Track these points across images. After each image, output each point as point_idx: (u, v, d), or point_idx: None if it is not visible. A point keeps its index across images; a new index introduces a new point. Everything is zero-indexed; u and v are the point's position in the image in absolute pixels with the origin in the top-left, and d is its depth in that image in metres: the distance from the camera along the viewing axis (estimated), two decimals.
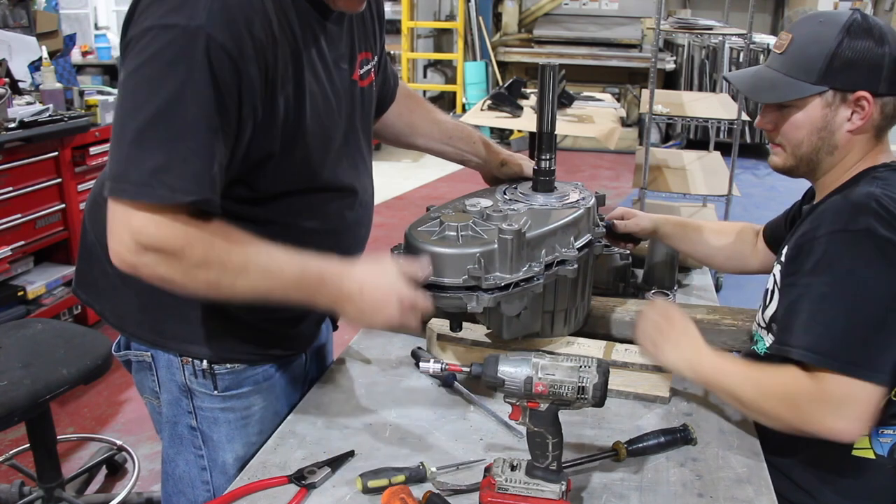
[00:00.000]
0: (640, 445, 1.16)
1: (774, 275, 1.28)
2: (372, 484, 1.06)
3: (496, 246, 1.16)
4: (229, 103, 0.99)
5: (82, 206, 3.37)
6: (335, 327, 1.57)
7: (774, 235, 1.52)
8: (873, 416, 1.08)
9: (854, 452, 1.20)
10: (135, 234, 0.97)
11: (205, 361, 1.21)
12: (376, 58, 1.34)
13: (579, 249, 1.31)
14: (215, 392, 1.24)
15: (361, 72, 1.27)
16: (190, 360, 1.22)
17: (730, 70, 6.89)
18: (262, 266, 1.04)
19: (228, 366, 1.23)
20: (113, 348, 1.32)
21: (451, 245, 1.18)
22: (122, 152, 0.97)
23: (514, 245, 1.16)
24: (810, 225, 1.19)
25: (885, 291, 1.09)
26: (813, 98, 1.22)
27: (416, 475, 1.08)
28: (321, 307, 1.11)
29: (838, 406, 1.07)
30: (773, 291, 1.28)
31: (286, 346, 1.30)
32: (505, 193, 1.37)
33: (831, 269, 1.13)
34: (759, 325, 1.33)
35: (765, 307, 1.31)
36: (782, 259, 1.26)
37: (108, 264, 1.22)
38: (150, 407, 1.34)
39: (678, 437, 1.18)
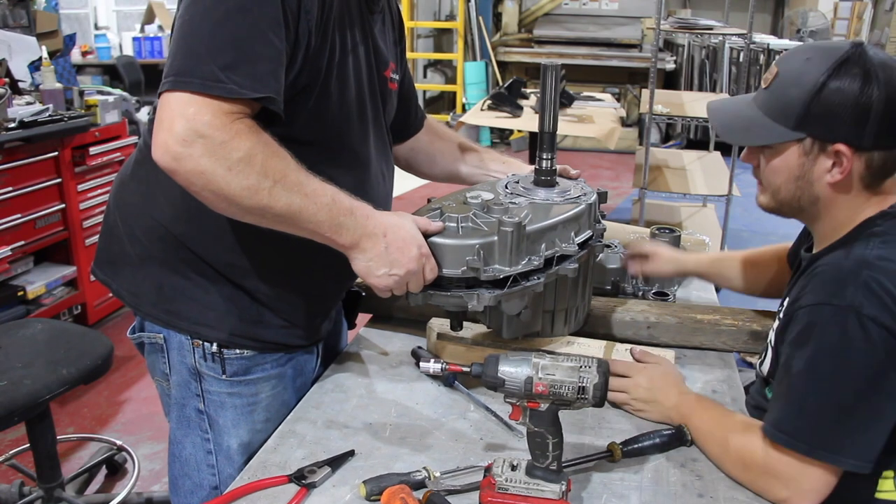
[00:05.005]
0: (635, 446, 1.16)
1: (773, 327, 1.23)
2: (375, 497, 1.05)
3: (496, 238, 1.16)
4: (290, 18, 1.05)
5: (82, 206, 3.38)
6: (351, 326, 1.58)
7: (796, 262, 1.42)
8: (828, 494, 1.03)
9: (878, 495, 1.12)
10: (189, 119, 0.97)
11: (215, 345, 1.23)
12: (398, 74, 1.41)
13: (580, 246, 1.31)
14: (223, 376, 1.25)
15: (391, 75, 1.34)
16: (200, 342, 1.24)
17: (730, 70, 6.88)
18: (299, 181, 1.05)
19: (238, 351, 1.25)
20: (128, 332, 1.34)
21: (450, 236, 1.17)
22: (191, 50, 1.01)
23: (514, 238, 1.16)
24: (800, 289, 1.11)
25: (864, 375, 1.00)
26: (790, 144, 1.12)
27: (420, 484, 1.07)
28: (343, 242, 1.10)
29: (791, 483, 1.03)
30: (768, 346, 1.25)
31: (297, 337, 1.31)
32: (506, 188, 1.36)
33: (810, 343, 1.04)
34: (761, 375, 1.29)
35: (763, 359, 1.26)
36: (780, 316, 1.20)
37: (128, 244, 1.26)
38: (160, 389, 1.36)
39: (673, 438, 1.18)
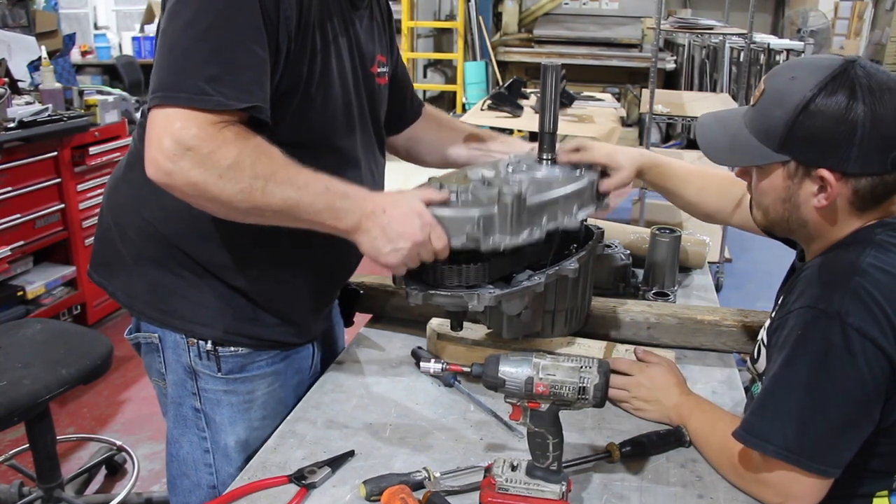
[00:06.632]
0: (633, 448, 1.16)
1: (765, 326, 1.21)
2: (375, 498, 1.05)
3: (496, 209, 1.14)
4: (269, 25, 1.06)
5: (82, 206, 3.38)
6: (347, 324, 1.58)
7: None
8: (818, 500, 1.02)
9: None
10: (175, 134, 0.99)
11: (209, 343, 1.24)
12: (389, 67, 1.40)
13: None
14: (219, 374, 1.26)
15: (379, 70, 1.33)
16: (195, 341, 1.24)
17: (730, 70, 6.88)
18: (290, 175, 1.06)
19: (233, 349, 1.25)
20: (125, 333, 1.34)
21: (450, 207, 1.16)
22: (175, 64, 1.02)
23: (515, 208, 1.14)
24: (789, 292, 1.09)
25: (847, 388, 0.97)
26: (777, 166, 1.07)
27: (420, 484, 1.07)
28: (345, 227, 1.10)
29: (782, 489, 1.02)
30: (760, 344, 1.23)
31: (292, 335, 1.31)
32: (507, 166, 1.36)
33: (792, 348, 1.01)
34: (754, 373, 1.26)
35: (756, 358, 1.24)
36: (773, 315, 1.18)
37: (121, 246, 1.27)
38: (157, 390, 1.36)
39: (671, 439, 1.18)
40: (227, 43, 1.02)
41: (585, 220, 1.43)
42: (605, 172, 1.38)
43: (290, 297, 1.28)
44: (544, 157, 1.35)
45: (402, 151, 1.64)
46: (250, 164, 1.02)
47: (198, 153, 0.99)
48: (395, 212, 1.11)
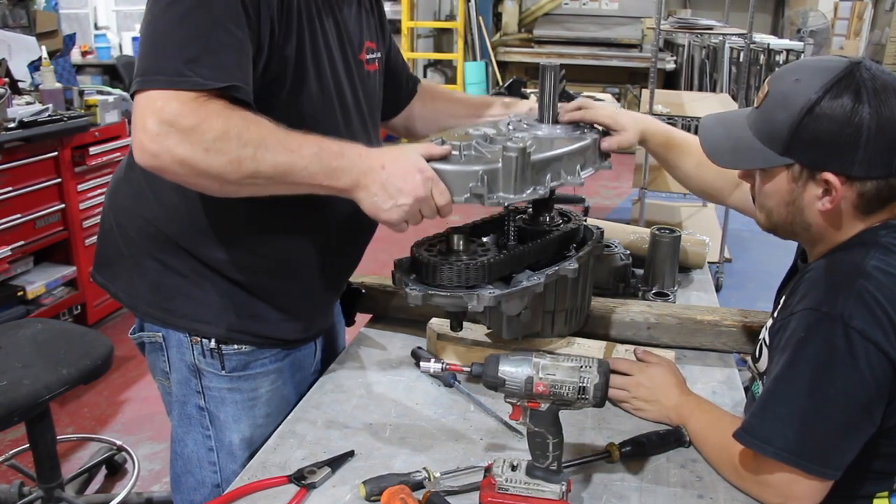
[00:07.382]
0: (633, 447, 1.16)
1: (767, 325, 1.21)
2: (375, 498, 1.05)
3: (500, 165, 1.13)
4: (249, 8, 1.05)
5: (82, 206, 3.38)
6: (349, 323, 1.58)
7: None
8: (819, 501, 1.02)
9: None
10: (157, 113, 0.98)
11: (213, 341, 1.24)
12: (381, 53, 1.39)
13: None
14: (223, 372, 1.26)
15: (368, 57, 1.32)
16: (199, 339, 1.24)
17: (730, 70, 6.88)
18: (279, 140, 1.04)
19: (236, 347, 1.26)
20: (129, 332, 1.34)
21: (453, 162, 1.14)
22: (154, 48, 1.02)
23: (519, 163, 1.12)
24: (792, 293, 1.09)
25: (849, 391, 0.97)
26: (781, 169, 1.07)
27: (420, 485, 1.07)
28: (343, 185, 1.08)
29: (782, 490, 1.02)
30: (762, 343, 1.22)
31: (295, 332, 1.31)
32: (509, 125, 1.35)
33: (794, 350, 1.01)
34: (755, 372, 1.26)
35: (757, 358, 1.23)
36: (775, 315, 1.18)
37: (123, 246, 1.28)
38: (161, 389, 1.36)
39: (671, 439, 1.18)
40: (205, 25, 1.02)
41: (586, 219, 1.43)
42: (606, 133, 1.37)
43: (293, 293, 1.28)
44: (546, 115, 1.34)
45: (401, 130, 1.63)
46: (237, 134, 1.01)
47: (182, 128, 0.98)
48: (395, 167, 1.09)
